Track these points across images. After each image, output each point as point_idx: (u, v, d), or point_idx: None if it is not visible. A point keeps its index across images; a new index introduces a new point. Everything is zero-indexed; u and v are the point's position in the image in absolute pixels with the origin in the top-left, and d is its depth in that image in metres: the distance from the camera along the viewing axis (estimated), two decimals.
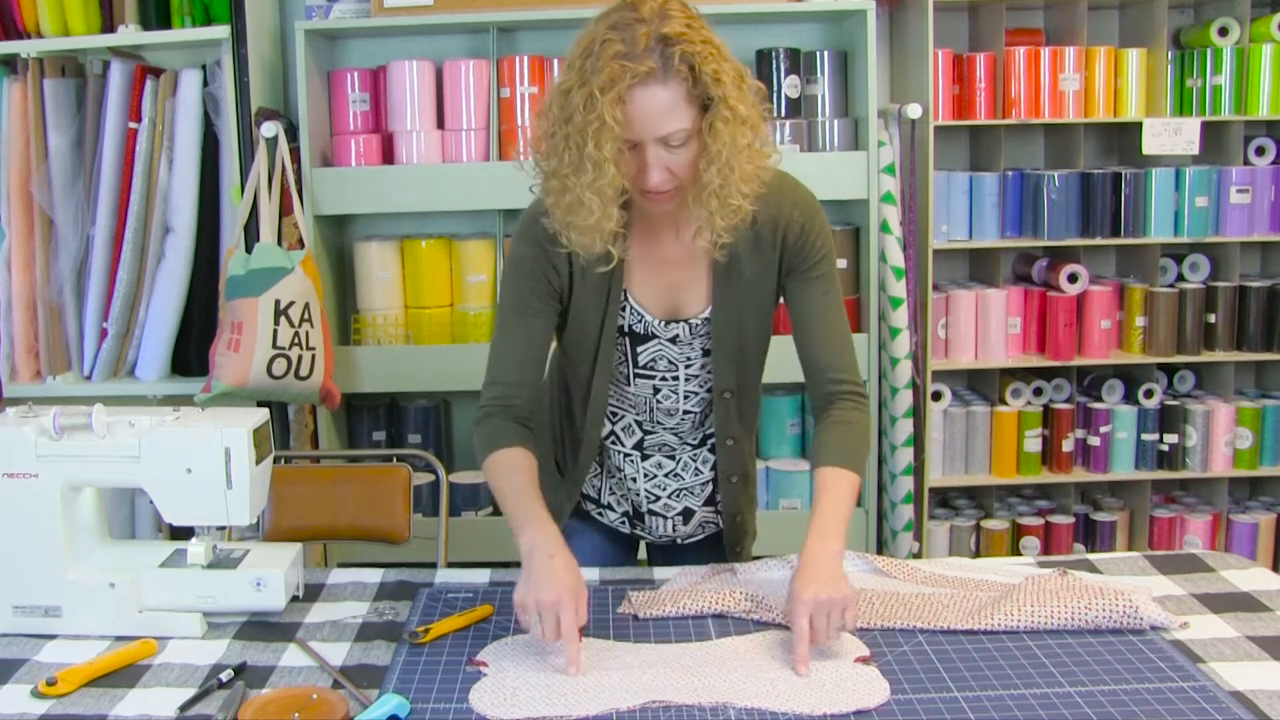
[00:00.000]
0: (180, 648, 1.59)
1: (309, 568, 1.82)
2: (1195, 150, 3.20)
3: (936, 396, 3.31)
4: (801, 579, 1.54)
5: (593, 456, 1.90)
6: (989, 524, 3.37)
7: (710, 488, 1.93)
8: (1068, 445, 3.31)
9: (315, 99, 3.08)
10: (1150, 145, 3.17)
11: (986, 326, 3.28)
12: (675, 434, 1.88)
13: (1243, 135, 3.27)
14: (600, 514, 1.99)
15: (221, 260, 2.98)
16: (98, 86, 3.02)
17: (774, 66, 3.14)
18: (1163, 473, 3.35)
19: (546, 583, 1.53)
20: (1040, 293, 3.30)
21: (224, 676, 1.49)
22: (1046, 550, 3.33)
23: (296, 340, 2.85)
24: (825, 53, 3.16)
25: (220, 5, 2.98)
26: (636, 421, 1.87)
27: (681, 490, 1.92)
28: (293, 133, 3.05)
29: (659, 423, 1.86)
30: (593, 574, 1.83)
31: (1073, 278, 3.23)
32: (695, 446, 1.90)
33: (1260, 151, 3.30)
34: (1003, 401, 3.31)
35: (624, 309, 1.76)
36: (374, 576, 1.85)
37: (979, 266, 3.46)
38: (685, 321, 1.77)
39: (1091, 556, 1.90)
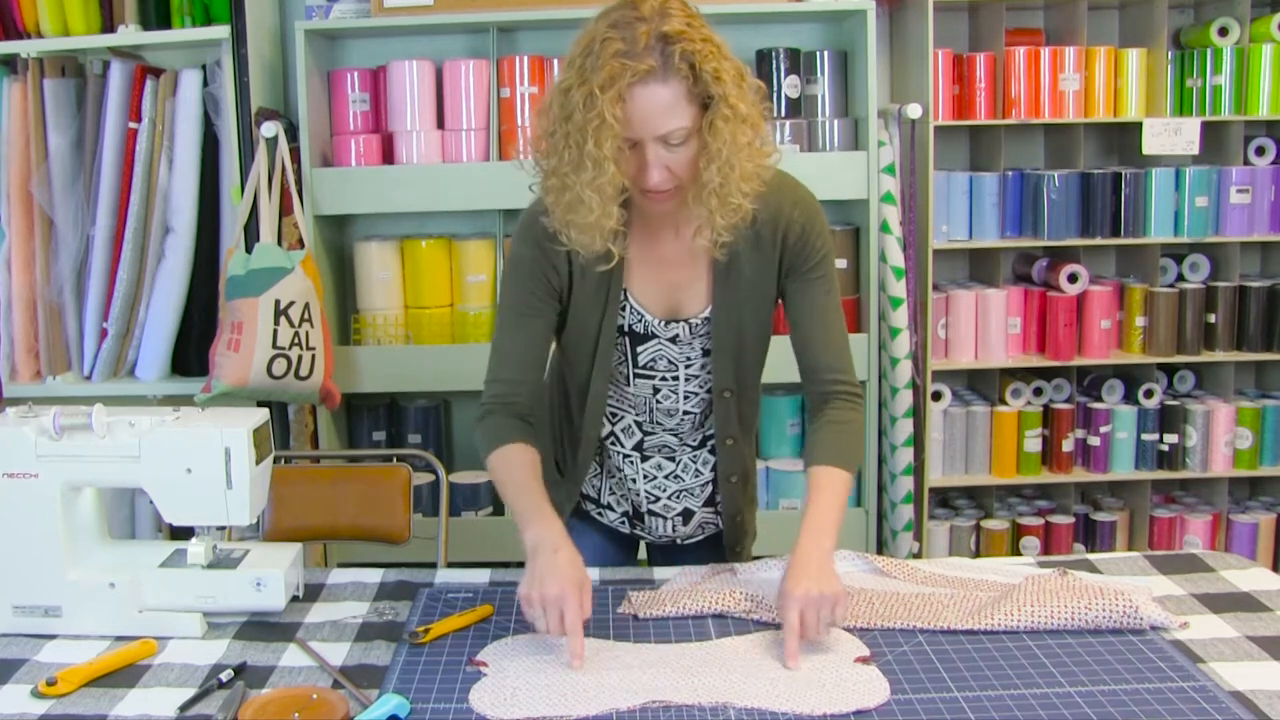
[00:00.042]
0: (180, 648, 1.59)
1: (309, 568, 1.82)
2: (1195, 150, 3.20)
3: (936, 396, 3.31)
4: (793, 575, 1.55)
5: (591, 456, 1.90)
6: (989, 524, 3.36)
7: (710, 488, 1.93)
8: (1068, 445, 3.31)
9: (315, 99, 3.08)
10: (1150, 145, 3.17)
11: (986, 326, 3.28)
12: (675, 435, 1.88)
13: (1243, 135, 3.27)
14: (600, 514, 1.98)
15: (221, 260, 2.98)
16: (98, 86, 3.02)
17: (774, 66, 3.14)
18: (1163, 473, 3.34)
19: (551, 577, 1.53)
20: (1040, 293, 3.30)
21: (224, 676, 1.49)
22: (1046, 550, 3.33)
23: (296, 340, 2.84)
24: (825, 53, 3.16)
25: (220, 5, 2.98)
26: (636, 422, 1.87)
27: (681, 491, 1.92)
28: (293, 133, 3.05)
29: (659, 423, 1.86)
30: (593, 574, 1.82)
31: (1073, 278, 3.23)
32: (695, 447, 1.90)
33: (1260, 151, 3.30)
34: (1003, 401, 3.31)
35: (624, 308, 1.76)
36: (374, 576, 1.85)
37: (979, 266, 3.46)
38: (685, 321, 1.77)
39: (1091, 556, 1.90)
